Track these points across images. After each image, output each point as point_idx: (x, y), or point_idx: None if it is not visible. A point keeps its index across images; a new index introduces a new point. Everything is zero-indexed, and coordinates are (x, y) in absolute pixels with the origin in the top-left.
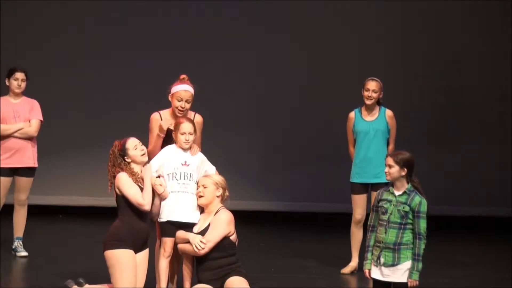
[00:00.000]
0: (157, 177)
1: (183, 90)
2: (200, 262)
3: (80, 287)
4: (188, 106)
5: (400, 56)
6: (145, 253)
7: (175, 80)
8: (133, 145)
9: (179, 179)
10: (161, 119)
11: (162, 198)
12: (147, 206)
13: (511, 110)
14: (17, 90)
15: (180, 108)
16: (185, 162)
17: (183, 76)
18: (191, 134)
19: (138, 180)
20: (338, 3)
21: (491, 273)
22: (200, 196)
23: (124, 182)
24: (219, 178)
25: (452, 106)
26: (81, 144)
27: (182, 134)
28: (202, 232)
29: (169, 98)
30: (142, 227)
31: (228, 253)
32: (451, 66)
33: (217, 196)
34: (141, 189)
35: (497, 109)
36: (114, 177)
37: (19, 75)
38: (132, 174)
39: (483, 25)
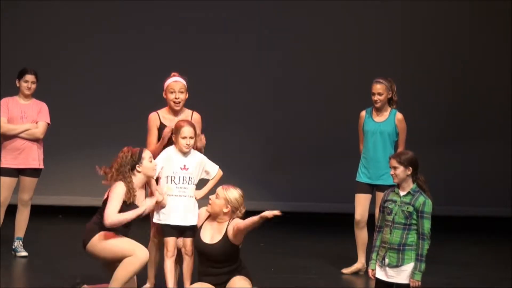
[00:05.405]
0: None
1: (173, 81)
2: (202, 267)
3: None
4: (182, 96)
5: (400, 57)
6: None
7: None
8: (149, 156)
9: (178, 183)
10: (159, 118)
11: (160, 205)
12: (107, 222)
13: (511, 110)
14: (27, 92)
15: (174, 100)
16: (184, 166)
17: (173, 73)
18: (191, 138)
19: (132, 198)
20: (341, 3)
21: (490, 273)
22: (209, 204)
23: (119, 193)
24: (232, 196)
25: (452, 106)
26: (81, 144)
27: (183, 138)
28: (217, 245)
29: (164, 95)
30: (120, 230)
31: (233, 262)
32: (452, 66)
33: (224, 213)
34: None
35: (498, 109)
36: (115, 180)
37: (29, 77)
38: (130, 189)
39: (483, 25)
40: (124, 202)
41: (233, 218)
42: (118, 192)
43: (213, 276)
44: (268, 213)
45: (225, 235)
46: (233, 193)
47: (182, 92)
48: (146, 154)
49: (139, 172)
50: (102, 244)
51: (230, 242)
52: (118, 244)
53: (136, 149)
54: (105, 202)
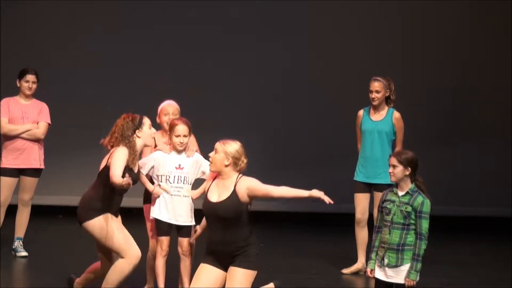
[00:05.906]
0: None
1: (167, 104)
2: (210, 231)
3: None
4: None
5: (400, 57)
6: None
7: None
8: (148, 123)
9: (172, 183)
10: (154, 140)
11: (155, 195)
12: (115, 179)
13: (511, 110)
14: (27, 92)
15: (168, 121)
16: (179, 165)
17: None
18: (185, 136)
19: (135, 163)
20: (342, 3)
21: (490, 273)
22: (211, 162)
23: (122, 157)
24: (231, 148)
25: (452, 106)
26: (81, 144)
27: (177, 136)
28: (225, 201)
29: (157, 119)
30: (117, 200)
31: (242, 224)
32: (452, 65)
33: (226, 166)
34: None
35: (498, 109)
36: (112, 146)
37: (30, 77)
38: (132, 154)
39: (483, 25)
40: (126, 167)
41: (241, 174)
42: (123, 156)
43: (220, 244)
44: (320, 194)
45: (234, 192)
46: (232, 145)
47: (176, 115)
48: (146, 121)
49: (139, 137)
50: (100, 231)
51: (239, 199)
52: (114, 237)
53: (136, 114)
54: (100, 173)
